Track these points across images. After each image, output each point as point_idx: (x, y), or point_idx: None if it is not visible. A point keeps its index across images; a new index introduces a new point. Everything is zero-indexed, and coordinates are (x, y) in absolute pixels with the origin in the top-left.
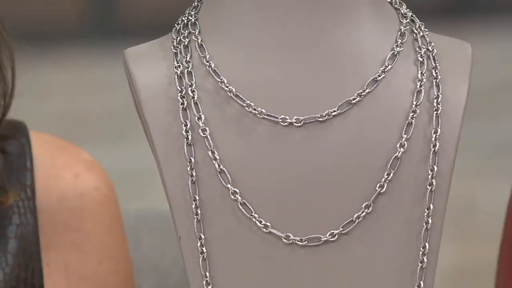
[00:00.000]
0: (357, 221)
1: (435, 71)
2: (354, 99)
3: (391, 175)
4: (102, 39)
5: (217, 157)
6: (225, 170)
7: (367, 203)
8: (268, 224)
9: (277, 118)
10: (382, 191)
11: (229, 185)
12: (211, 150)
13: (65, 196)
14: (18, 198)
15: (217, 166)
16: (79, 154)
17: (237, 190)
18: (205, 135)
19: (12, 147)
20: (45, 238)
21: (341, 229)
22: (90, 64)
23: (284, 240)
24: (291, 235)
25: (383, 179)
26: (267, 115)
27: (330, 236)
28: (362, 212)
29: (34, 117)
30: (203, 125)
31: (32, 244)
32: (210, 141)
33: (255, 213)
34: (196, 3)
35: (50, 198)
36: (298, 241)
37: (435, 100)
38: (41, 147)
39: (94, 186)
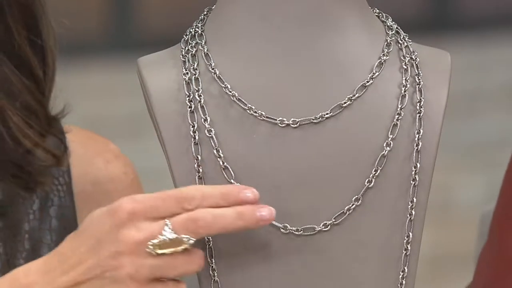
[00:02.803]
0: (347, 213)
1: (418, 77)
2: (345, 103)
3: (378, 171)
4: (120, 51)
5: (222, 155)
6: (228, 167)
7: (356, 196)
8: None
9: (276, 120)
10: (370, 185)
11: (232, 180)
12: (216, 149)
13: (98, 180)
14: (57, 182)
15: (221, 163)
16: (107, 143)
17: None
18: (210, 135)
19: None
20: (82, 217)
21: (333, 220)
22: (109, 73)
23: (281, 230)
24: (288, 226)
25: (371, 175)
26: (267, 117)
27: (323, 227)
28: (352, 204)
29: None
30: (208, 126)
31: (71, 223)
32: (215, 141)
33: None
34: (202, 16)
35: (85, 182)
36: (294, 231)
37: (418, 104)
38: (74, 138)
39: (123, 171)
